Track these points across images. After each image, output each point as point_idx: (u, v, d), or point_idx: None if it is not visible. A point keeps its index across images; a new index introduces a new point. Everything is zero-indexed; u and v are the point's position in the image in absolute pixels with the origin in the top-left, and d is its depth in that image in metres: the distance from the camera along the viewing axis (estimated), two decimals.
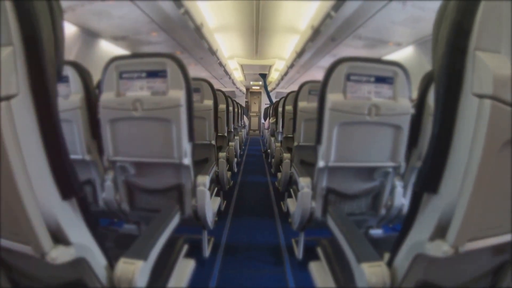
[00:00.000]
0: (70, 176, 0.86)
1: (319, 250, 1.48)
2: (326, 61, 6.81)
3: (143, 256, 1.06)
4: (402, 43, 4.77)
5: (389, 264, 0.99)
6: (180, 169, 1.87)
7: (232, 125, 4.76)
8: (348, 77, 1.70)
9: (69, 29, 4.07)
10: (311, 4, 4.41)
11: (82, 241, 0.90)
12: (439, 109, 0.78)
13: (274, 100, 11.25)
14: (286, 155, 3.14)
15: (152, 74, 1.72)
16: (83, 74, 1.94)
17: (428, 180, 0.83)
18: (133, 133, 1.79)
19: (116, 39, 4.88)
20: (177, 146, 1.75)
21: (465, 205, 0.72)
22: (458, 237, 0.74)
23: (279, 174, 3.57)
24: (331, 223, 1.35)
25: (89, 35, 4.45)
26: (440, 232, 0.79)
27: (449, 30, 0.74)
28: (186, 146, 1.78)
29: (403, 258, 0.92)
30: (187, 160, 1.79)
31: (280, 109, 4.26)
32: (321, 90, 1.75)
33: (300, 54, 6.16)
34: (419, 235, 0.87)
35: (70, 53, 4.26)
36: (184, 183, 1.91)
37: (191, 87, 1.74)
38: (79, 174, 2.07)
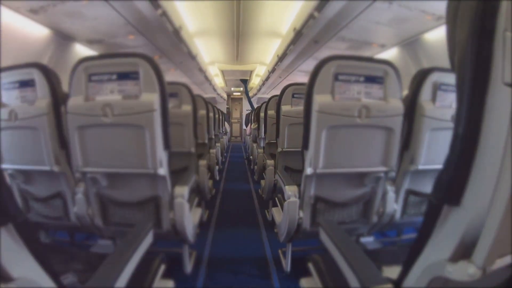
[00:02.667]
0: (4, 198, 0.70)
1: (311, 266, 1.35)
2: (309, 65, 6.80)
3: (108, 286, 0.89)
4: (387, 45, 4.73)
5: (397, 285, 0.88)
6: (156, 180, 1.72)
7: (213, 132, 4.62)
8: (336, 77, 1.60)
9: (41, 32, 3.85)
10: (293, 7, 4.35)
11: (28, 275, 0.73)
12: (464, 104, 0.65)
13: (255, 106, 11.19)
14: (270, 162, 3.03)
15: (123, 76, 1.59)
16: (50, 77, 1.77)
17: (450, 190, 0.71)
18: (104, 141, 1.65)
19: (91, 42, 4.66)
20: (151, 155, 1.61)
21: (498, 219, 0.59)
22: (487, 257, 0.62)
23: (262, 182, 3.45)
24: (324, 238, 1.23)
25: (63, 38, 4.23)
26: (463, 250, 0.68)
27: (473, 9, 0.62)
28: (162, 155, 1.64)
29: (415, 281, 0.79)
30: (162, 170, 1.65)
31: (262, 114, 4.17)
32: (307, 91, 1.64)
33: (281, 58, 6.10)
34: (435, 254, 0.74)
35: (43, 58, 4.02)
36: (160, 195, 1.77)
37: (166, 90, 1.61)
38: (48, 186, 1.90)
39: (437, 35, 3.77)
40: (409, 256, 0.82)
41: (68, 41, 4.38)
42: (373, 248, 1.95)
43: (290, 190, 1.83)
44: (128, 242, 1.11)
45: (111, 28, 4.17)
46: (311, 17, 3.66)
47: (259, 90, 12.24)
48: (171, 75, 8.02)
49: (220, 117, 7.08)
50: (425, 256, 0.77)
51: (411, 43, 4.31)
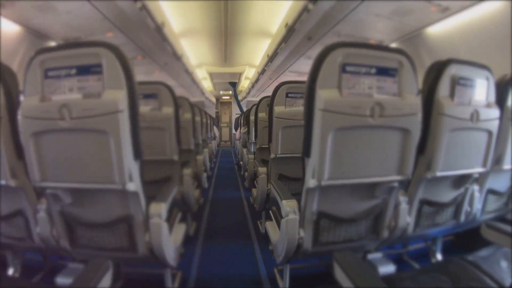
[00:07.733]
0: None
1: None
2: (301, 64, 6.63)
3: None
4: (385, 40, 4.51)
5: None
6: (126, 197, 1.42)
7: (201, 137, 4.32)
8: (343, 68, 1.33)
9: (12, 29, 3.53)
10: (284, 5, 4.13)
11: None
12: None
13: (244, 109, 10.98)
14: (262, 169, 2.74)
15: (84, 70, 1.29)
16: (4, 75, 1.47)
17: None
18: (63, 151, 1.36)
19: (67, 41, 4.36)
20: (118, 167, 1.32)
21: None
22: None
23: (254, 190, 3.16)
24: (340, 276, 0.96)
25: (36, 36, 3.95)
26: None
27: None
28: (131, 166, 1.35)
29: None
30: (133, 185, 1.36)
31: (252, 117, 3.90)
32: (308, 85, 1.36)
33: (272, 58, 5.85)
34: None
35: (14, 58, 3.74)
36: (133, 214, 1.47)
37: (135, 86, 1.33)
38: (7, 203, 1.59)
39: (442, 29, 3.55)
40: None
41: (42, 40, 4.11)
42: (388, 272, 1.68)
43: (288, 206, 1.55)
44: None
45: (86, 23, 3.89)
46: (305, 10, 3.41)
47: (248, 93, 12.01)
48: (156, 78, 7.70)
49: (208, 121, 6.81)
50: None
51: (411, 38, 4.10)
